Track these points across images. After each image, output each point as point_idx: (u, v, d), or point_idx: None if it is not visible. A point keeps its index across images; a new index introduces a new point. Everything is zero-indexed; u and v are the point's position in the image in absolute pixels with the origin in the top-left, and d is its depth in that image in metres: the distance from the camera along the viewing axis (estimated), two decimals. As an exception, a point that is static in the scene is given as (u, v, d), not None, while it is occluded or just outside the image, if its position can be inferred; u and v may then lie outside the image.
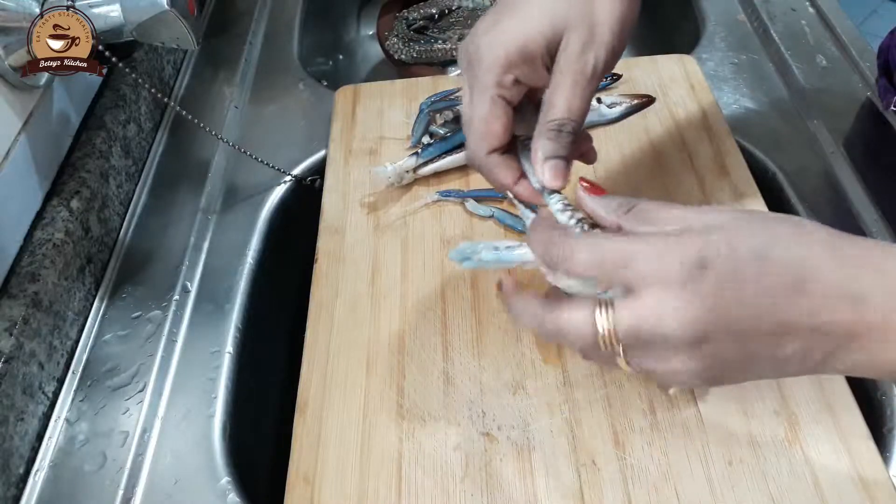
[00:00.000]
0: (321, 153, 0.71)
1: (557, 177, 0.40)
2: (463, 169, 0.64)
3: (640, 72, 0.71)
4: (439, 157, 0.63)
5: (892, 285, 0.31)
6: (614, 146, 0.65)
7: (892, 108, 0.64)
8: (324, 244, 0.60)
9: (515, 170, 0.43)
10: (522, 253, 0.40)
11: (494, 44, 0.40)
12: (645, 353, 0.34)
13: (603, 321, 0.34)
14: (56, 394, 0.55)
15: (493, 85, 0.40)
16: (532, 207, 0.43)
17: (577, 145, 0.42)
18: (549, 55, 0.41)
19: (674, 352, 0.33)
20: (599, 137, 0.66)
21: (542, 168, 0.40)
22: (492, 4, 0.92)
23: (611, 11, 0.40)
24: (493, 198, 0.61)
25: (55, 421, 0.54)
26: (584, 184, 0.39)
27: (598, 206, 0.38)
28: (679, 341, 0.32)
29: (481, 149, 0.42)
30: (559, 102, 0.40)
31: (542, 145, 0.41)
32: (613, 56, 0.41)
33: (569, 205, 0.40)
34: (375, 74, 1.04)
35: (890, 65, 0.65)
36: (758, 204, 0.59)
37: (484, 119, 0.41)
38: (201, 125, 0.64)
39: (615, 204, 0.37)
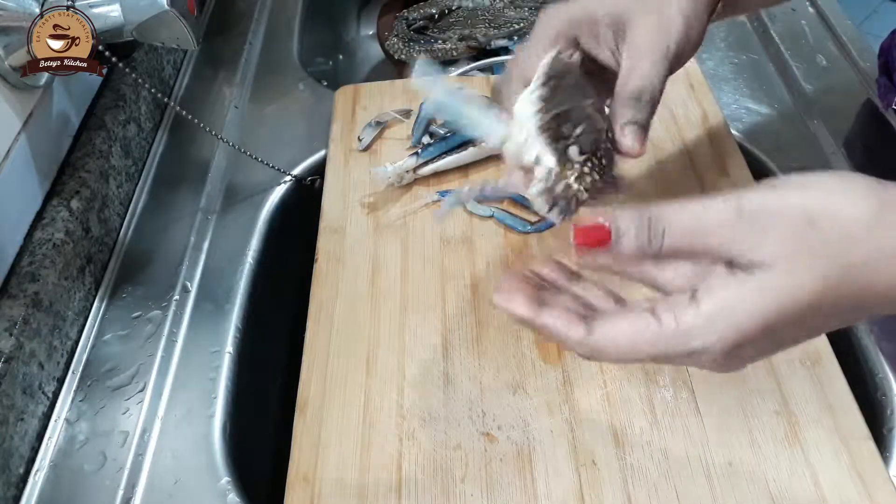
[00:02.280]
0: (321, 153, 0.71)
1: (637, 140, 0.39)
2: (463, 169, 0.64)
3: (640, 72, 0.71)
4: (439, 157, 0.63)
5: None
6: (614, 146, 0.65)
7: (893, 107, 0.63)
8: (324, 244, 0.60)
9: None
10: (489, 125, 0.38)
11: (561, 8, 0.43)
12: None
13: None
14: (56, 394, 0.55)
15: (551, 31, 0.42)
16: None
17: (652, 117, 0.41)
18: (610, 29, 0.42)
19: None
20: (599, 137, 0.66)
21: (621, 132, 0.40)
22: (491, 4, 0.92)
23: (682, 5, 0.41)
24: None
25: (55, 421, 0.53)
26: (577, 241, 0.32)
27: (612, 263, 0.32)
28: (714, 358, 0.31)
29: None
30: (638, 75, 0.40)
31: (621, 112, 0.40)
32: (689, 46, 0.41)
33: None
34: (375, 74, 1.04)
35: (890, 65, 0.65)
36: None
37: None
38: (201, 125, 0.64)
39: (631, 250, 0.31)
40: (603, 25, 0.42)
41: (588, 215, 0.32)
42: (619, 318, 0.32)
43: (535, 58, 0.41)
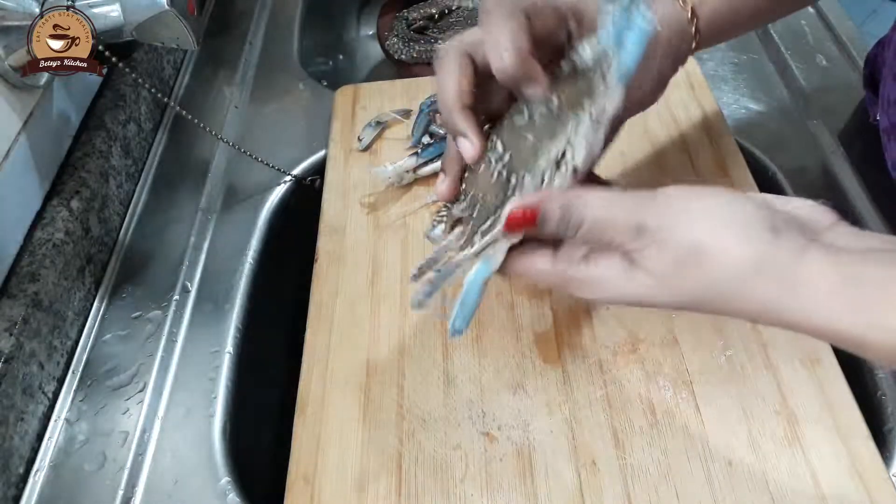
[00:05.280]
0: (321, 153, 0.71)
1: None
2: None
3: (640, 72, 0.71)
4: (439, 157, 0.63)
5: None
6: (615, 146, 0.65)
7: (877, 119, 0.63)
8: (324, 244, 0.60)
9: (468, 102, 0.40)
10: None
11: None
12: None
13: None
14: (56, 394, 0.55)
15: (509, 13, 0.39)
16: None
17: None
18: (573, 19, 0.40)
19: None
20: (599, 137, 0.66)
21: None
22: (492, 4, 0.92)
23: None
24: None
25: (55, 421, 0.53)
26: (507, 225, 0.36)
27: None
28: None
29: (458, 49, 0.39)
30: None
31: None
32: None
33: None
34: (375, 74, 1.04)
35: (875, 76, 0.65)
36: (758, 204, 0.59)
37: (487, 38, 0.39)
38: (201, 125, 0.64)
39: (551, 234, 0.36)
40: (564, 13, 0.40)
41: (531, 195, 0.36)
42: (529, 247, 0.38)
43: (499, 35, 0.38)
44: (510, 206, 0.36)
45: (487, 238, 0.37)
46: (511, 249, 0.38)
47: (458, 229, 0.41)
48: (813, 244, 0.32)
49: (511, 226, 0.36)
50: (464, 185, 0.42)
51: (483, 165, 0.40)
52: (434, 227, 0.42)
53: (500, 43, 0.37)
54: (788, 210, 0.35)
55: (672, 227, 0.33)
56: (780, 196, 0.36)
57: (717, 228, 0.32)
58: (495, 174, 0.39)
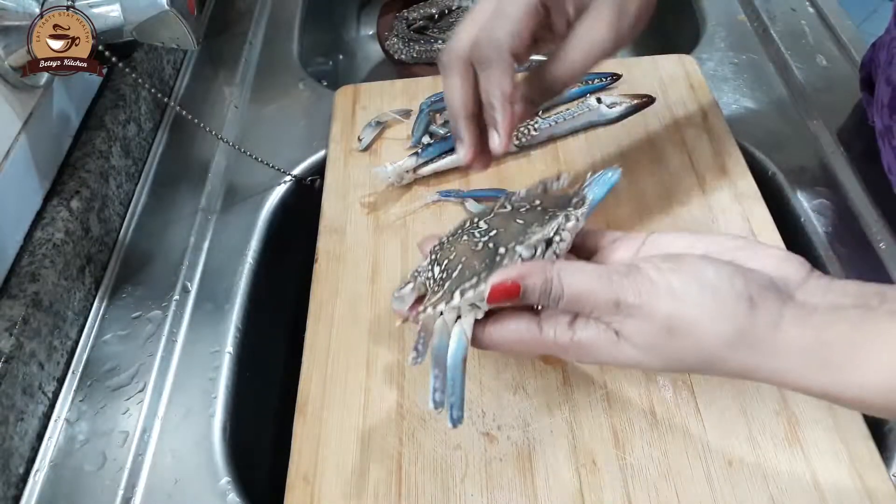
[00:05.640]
0: (321, 153, 0.71)
1: (509, 129, 0.44)
2: (463, 169, 0.64)
3: (640, 72, 0.71)
4: (439, 157, 0.63)
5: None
6: (614, 146, 0.65)
7: (873, 121, 0.63)
8: (324, 244, 0.60)
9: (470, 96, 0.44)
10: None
11: None
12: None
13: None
14: (56, 394, 0.55)
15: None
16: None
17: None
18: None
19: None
20: (600, 137, 0.66)
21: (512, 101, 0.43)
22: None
23: None
24: (494, 198, 0.61)
25: (55, 421, 0.54)
26: (490, 300, 0.37)
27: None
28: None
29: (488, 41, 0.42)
30: (568, 62, 0.43)
31: (530, 86, 0.44)
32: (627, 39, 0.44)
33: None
34: (375, 74, 1.04)
35: (871, 78, 0.65)
36: (758, 204, 0.59)
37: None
38: (201, 125, 0.64)
39: (534, 303, 0.37)
40: (541, 5, 0.42)
41: (512, 267, 0.37)
42: (512, 318, 0.39)
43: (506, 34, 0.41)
44: (494, 277, 0.37)
45: (470, 295, 0.38)
46: (486, 321, 0.39)
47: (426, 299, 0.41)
48: (787, 307, 0.34)
49: (494, 297, 0.37)
50: (435, 255, 0.42)
51: (465, 238, 0.41)
52: (402, 288, 0.43)
53: (491, 84, 0.42)
54: (763, 269, 0.36)
55: (651, 304, 0.34)
56: (757, 245, 0.38)
57: (695, 306, 0.34)
58: (481, 244, 0.40)
